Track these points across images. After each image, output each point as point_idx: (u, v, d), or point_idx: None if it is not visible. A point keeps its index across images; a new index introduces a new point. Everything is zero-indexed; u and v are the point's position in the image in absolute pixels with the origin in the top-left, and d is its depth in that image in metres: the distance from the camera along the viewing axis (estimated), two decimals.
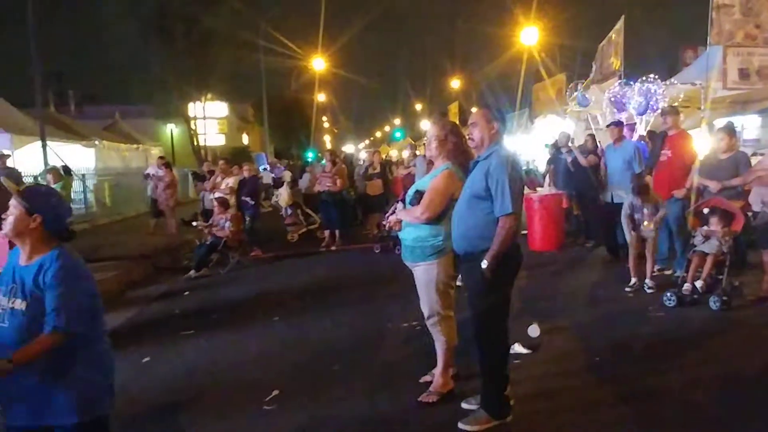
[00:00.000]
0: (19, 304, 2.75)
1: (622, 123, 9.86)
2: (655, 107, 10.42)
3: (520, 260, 4.30)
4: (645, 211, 7.60)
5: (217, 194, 11.82)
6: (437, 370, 4.81)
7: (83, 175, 19.23)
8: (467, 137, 4.45)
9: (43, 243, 2.83)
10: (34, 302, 2.73)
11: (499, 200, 4.02)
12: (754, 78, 9.01)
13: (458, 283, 4.81)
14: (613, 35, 12.47)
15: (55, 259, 2.77)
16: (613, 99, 11.45)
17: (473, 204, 4.17)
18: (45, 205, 2.87)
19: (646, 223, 7.57)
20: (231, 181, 12.40)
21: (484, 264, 4.01)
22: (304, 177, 16.29)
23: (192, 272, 10.28)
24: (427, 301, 4.70)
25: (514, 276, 4.31)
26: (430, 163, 5.09)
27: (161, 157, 18.03)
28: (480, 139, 4.27)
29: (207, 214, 12.41)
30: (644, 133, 11.17)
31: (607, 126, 9.70)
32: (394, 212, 4.89)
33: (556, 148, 12.18)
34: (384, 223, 5.02)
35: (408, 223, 4.67)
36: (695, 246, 7.07)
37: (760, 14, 8.78)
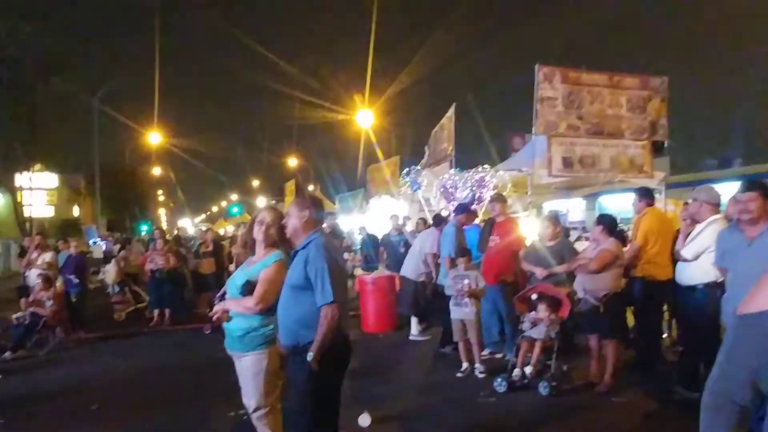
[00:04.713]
0: None
1: (468, 209, 9.86)
2: (481, 198, 10.74)
3: (348, 350, 4.21)
4: (466, 281, 7.66)
5: (36, 271, 11.18)
6: None
7: None
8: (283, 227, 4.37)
9: None
10: None
11: (320, 289, 3.94)
12: (576, 166, 9.45)
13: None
14: (445, 121, 12.90)
15: None
16: (442, 189, 11.78)
17: (295, 295, 4.08)
18: None
19: (467, 291, 7.61)
20: (48, 257, 11.70)
21: (310, 356, 3.87)
22: (121, 253, 15.62)
23: (7, 353, 9.56)
24: (254, 392, 4.47)
25: (344, 367, 4.20)
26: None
27: None
28: (293, 229, 4.26)
29: (26, 290, 11.67)
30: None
31: (455, 211, 9.70)
32: (224, 296, 4.69)
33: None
34: (210, 314, 4.73)
35: (237, 312, 4.48)
36: (524, 331, 7.14)
37: (582, 107, 9.32)
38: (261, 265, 4.52)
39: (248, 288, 4.44)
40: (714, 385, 1.75)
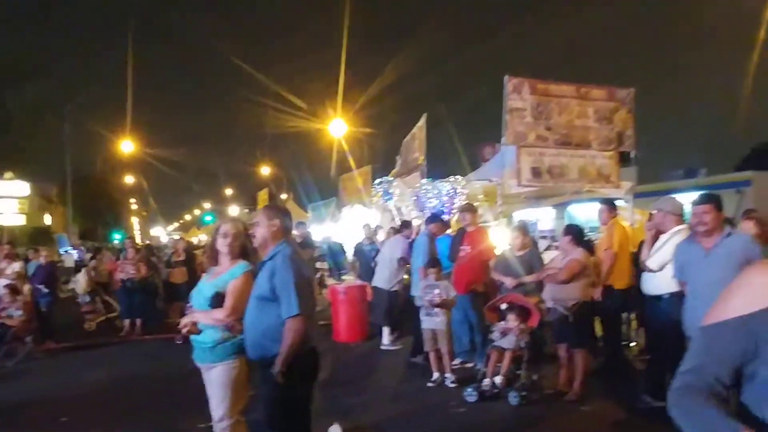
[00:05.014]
0: None
1: (440, 218, 9.93)
2: (449, 210, 10.80)
3: (316, 361, 4.16)
4: (437, 290, 7.66)
5: (4, 281, 10.85)
6: None
7: None
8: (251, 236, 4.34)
9: None
10: None
11: (285, 302, 3.90)
12: (545, 176, 9.53)
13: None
14: (416, 131, 12.95)
15: None
16: (415, 198, 11.83)
17: (262, 307, 4.04)
18: None
19: (437, 301, 7.60)
20: (17, 266, 11.46)
21: (275, 369, 3.84)
22: (91, 263, 15.45)
23: None
24: (221, 403, 4.38)
25: (313, 379, 4.16)
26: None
27: None
28: (262, 238, 4.21)
29: None
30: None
31: (427, 221, 9.75)
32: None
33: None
34: (179, 327, 4.60)
35: (207, 324, 4.40)
36: (494, 341, 7.18)
37: (550, 118, 9.40)
38: (229, 275, 4.46)
39: (217, 299, 4.37)
40: (677, 390, 1.77)
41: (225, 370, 4.35)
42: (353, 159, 21.08)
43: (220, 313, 4.32)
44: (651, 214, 6.97)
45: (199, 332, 4.42)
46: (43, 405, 7.52)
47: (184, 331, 4.49)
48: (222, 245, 4.54)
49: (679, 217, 6.27)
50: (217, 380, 4.40)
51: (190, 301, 4.66)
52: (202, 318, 4.42)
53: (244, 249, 4.55)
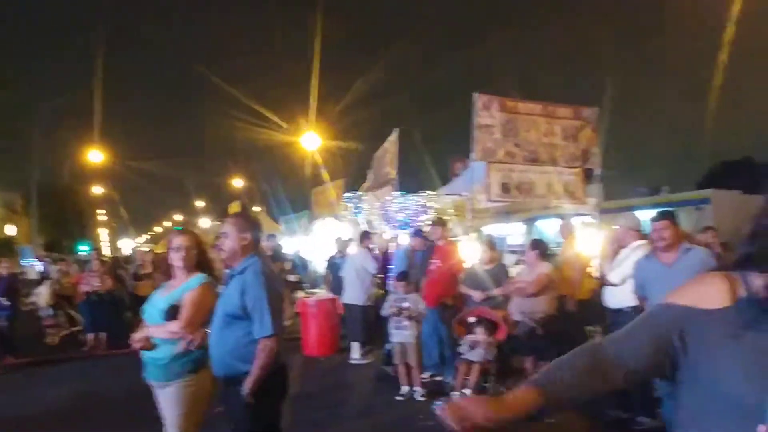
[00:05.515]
0: None
1: (422, 234, 9.87)
2: (415, 223, 10.89)
3: (286, 378, 4.04)
4: (405, 304, 7.69)
5: None
6: None
7: None
8: (218, 247, 4.18)
9: None
10: None
11: (258, 320, 3.75)
12: (514, 192, 9.65)
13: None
14: (388, 145, 13.01)
15: None
16: (383, 212, 11.89)
17: (229, 323, 3.87)
18: None
19: (405, 315, 7.64)
20: None
21: (245, 389, 3.69)
22: (55, 275, 15.14)
23: None
24: (176, 423, 4.16)
25: (282, 399, 4.02)
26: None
27: None
28: (231, 251, 4.02)
29: None
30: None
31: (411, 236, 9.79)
32: None
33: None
34: (131, 342, 4.34)
35: (163, 339, 4.19)
36: (462, 354, 7.24)
37: (518, 135, 9.55)
38: (185, 286, 4.30)
39: (172, 312, 4.20)
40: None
41: (179, 389, 4.17)
42: (327, 172, 21.04)
43: (175, 326, 4.15)
44: (612, 230, 7.15)
45: (153, 347, 4.22)
46: (0, 423, 7.25)
47: (137, 346, 4.26)
48: (176, 259, 4.38)
49: (638, 233, 6.47)
50: (171, 399, 4.20)
51: (143, 315, 4.45)
52: (156, 332, 4.22)
53: (199, 262, 4.43)
